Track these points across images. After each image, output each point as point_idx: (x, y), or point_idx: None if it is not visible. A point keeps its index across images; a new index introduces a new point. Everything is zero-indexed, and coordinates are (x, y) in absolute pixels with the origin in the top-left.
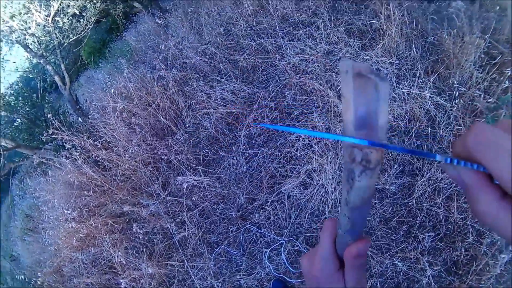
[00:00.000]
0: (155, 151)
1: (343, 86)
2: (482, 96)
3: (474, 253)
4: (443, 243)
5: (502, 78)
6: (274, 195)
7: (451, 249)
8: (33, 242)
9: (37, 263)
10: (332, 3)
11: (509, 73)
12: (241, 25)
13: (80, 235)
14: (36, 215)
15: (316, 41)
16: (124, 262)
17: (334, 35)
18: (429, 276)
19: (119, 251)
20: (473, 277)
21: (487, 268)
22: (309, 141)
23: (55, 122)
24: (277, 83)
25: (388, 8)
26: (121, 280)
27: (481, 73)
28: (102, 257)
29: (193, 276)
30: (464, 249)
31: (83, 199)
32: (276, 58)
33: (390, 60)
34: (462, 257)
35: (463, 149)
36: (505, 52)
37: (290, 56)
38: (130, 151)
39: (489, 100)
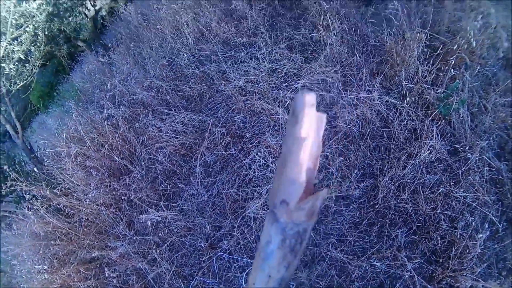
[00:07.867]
0: (114, 192)
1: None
2: (431, 88)
3: (451, 239)
4: (417, 235)
5: (447, 67)
6: (239, 219)
7: (426, 239)
8: None
9: None
10: (271, 21)
11: (453, 61)
12: (183, 54)
13: (55, 286)
14: (8, 270)
15: (259, 60)
16: None
17: (276, 52)
18: (410, 270)
19: None
20: (455, 262)
21: (467, 250)
22: (265, 161)
23: (12, 174)
24: (226, 108)
25: (326, 18)
26: None
27: (426, 66)
28: None
29: None
30: (439, 237)
31: (51, 248)
32: (221, 84)
33: (334, 69)
34: (439, 245)
35: None
36: (447, 42)
37: (235, 80)
38: (90, 195)
39: (438, 91)
